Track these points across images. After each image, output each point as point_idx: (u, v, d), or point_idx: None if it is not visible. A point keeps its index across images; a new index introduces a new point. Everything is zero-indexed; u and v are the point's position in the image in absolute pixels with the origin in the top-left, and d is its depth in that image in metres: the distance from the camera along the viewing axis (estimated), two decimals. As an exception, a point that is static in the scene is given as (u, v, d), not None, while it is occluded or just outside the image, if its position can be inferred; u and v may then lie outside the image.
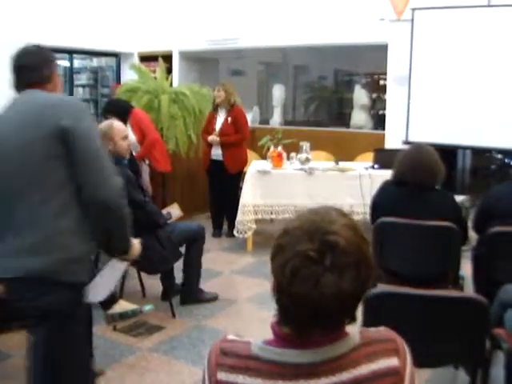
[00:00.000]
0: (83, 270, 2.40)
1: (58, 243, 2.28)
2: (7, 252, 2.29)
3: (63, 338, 2.35)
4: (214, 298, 5.01)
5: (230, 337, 1.45)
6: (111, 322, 3.80)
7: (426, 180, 3.73)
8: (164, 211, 4.79)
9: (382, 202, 3.93)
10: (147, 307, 3.96)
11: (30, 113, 2.38)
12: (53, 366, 2.35)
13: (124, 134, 4.33)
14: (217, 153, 6.95)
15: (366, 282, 1.34)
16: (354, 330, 1.40)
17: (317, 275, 1.27)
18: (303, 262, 1.28)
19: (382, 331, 1.43)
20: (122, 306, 3.75)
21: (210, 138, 6.89)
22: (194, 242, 4.78)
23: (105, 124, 4.32)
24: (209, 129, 6.99)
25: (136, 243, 2.78)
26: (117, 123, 4.39)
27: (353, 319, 1.37)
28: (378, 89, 11.08)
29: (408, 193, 3.75)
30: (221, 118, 6.97)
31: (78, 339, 2.46)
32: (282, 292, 1.33)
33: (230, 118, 6.92)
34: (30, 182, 2.27)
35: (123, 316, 3.75)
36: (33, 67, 2.58)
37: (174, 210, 4.91)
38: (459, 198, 6.22)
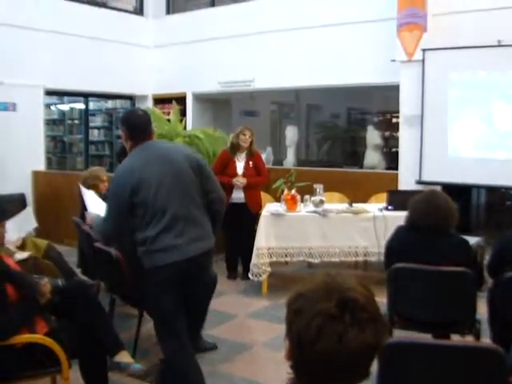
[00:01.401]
0: None
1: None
2: (196, 236, 3.58)
3: None
4: (212, 348, 4.84)
5: None
6: (112, 369, 3.82)
7: (439, 225, 3.75)
8: None
9: (395, 247, 3.95)
10: (136, 366, 3.96)
11: (180, 153, 3.69)
12: None
13: None
14: (238, 196, 6.95)
15: (383, 335, 1.38)
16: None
17: (340, 332, 1.31)
18: (325, 320, 1.32)
19: None
20: (121, 356, 3.78)
21: (236, 180, 6.86)
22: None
23: None
24: (227, 172, 6.95)
25: None
26: None
27: (367, 374, 1.39)
28: (390, 127, 11.16)
29: (422, 238, 3.76)
30: (241, 163, 6.99)
31: None
32: (305, 353, 1.35)
33: (251, 162, 6.98)
34: (196, 191, 3.61)
35: (117, 366, 3.79)
36: (148, 125, 3.76)
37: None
38: (475, 239, 6.20)
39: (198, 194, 3.61)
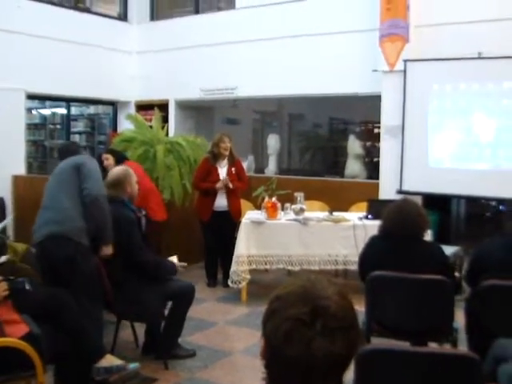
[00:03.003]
0: None
1: None
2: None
3: None
4: (191, 355, 4.82)
5: None
6: (97, 376, 3.79)
7: (411, 233, 3.82)
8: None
9: (369, 256, 4.00)
10: (132, 365, 3.96)
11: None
12: None
13: (136, 178, 4.76)
14: (221, 204, 6.97)
15: (355, 346, 1.38)
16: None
17: (308, 338, 1.31)
18: (295, 325, 1.32)
19: None
20: (109, 360, 3.75)
21: (221, 183, 6.86)
22: (182, 300, 4.64)
23: (121, 168, 4.76)
24: (210, 179, 6.96)
25: None
26: (125, 167, 4.86)
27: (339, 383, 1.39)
28: (372, 137, 11.20)
29: (394, 246, 3.83)
30: (223, 169, 7.00)
31: None
32: (274, 355, 1.36)
33: (233, 169, 7.00)
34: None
35: (108, 371, 3.76)
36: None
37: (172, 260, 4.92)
38: (453, 249, 6.25)
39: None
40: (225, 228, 6.94)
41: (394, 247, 3.83)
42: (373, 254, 3.98)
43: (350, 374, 2.17)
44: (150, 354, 4.74)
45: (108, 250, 4.28)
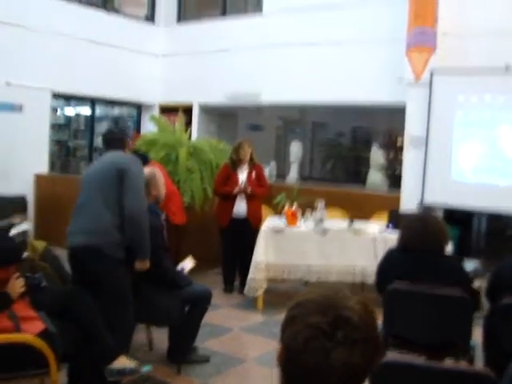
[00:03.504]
0: None
1: None
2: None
3: None
4: (204, 360, 4.80)
5: None
6: (109, 377, 3.79)
7: (430, 246, 3.76)
8: (179, 267, 4.80)
9: (387, 269, 3.94)
10: (145, 368, 3.95)
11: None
12: None
13: (163, 180, 4.75)
14: (239, 210, 6.96)
15: (374, 358, 1.36)
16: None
17: (328, 348, 1.30)
18: (315, 333, 1.32)
19: None
20: (122, 362, 3.74)
21: (239, 188, 6.88)
22: (198, 305, 4.63)
23: (147, 171, 4.60)
24: (228, 184, 6.98)
25: None
26: (157, 170, 4.80)
27: None
28: (394, 148, 11.15)
29: (413, 259, 3.77)
30: (243, 174, 7.01)
31: None
32: (291, 362, 1.35)
33: (253, 174, 7.00)
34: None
35: (121, 373, 3.75)
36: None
37: (187, 263, 4.92)
38: (473, 264, 6.18)
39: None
40: (243, 235, 6.91)
41: (413, 261, 3.77)
42: (391, 266, 3.92)
43: None
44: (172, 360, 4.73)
45: (144, 265, 4.14)
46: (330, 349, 1.30)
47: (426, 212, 4.24)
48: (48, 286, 3.97)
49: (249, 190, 6.89)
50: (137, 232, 4.04)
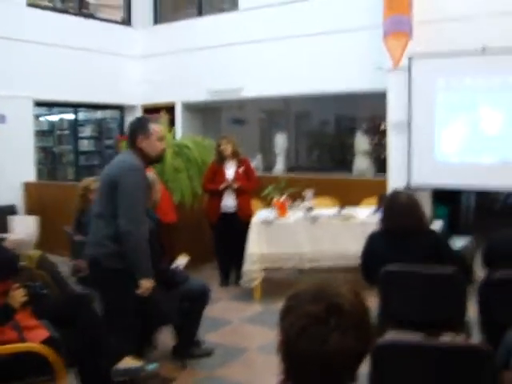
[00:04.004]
0: None
1: None
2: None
3: None
4: (207, 354, 4.89)
5: None
6: (116, 377, 3.85)
7: (407, 224, 3.86)
8: (173, 265, 4.86)
9: (370, 253, 4.04)
10: (151, 366, 4.01)
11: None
12: None
13: (159, 185, 4.77)
14: (228, 204, 7.04)
15: (367, 343, 1.45)
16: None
17: (323, 334, 1.38)
18: (310, 321, 1.39)
19: None
20: (127, 362, 3.79)
21: (227, 182, 6.95)
22: (197, 301, 4.69)
23: (151, 175, 4.61)
24: (215, 180, 7.06)
25: None
26: (152, 174, 4.73)
27: (352, 379, 1.45)
28: (379, 133, 11.22)
29: (394, 240, 3.88)
30: (230, 170, 7.08)
31: None
32: (290, 349, 1.42)
33: (241, 169, 7.07)
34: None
35: (127, 373, 3.81)
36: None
37: (181, 260, 4.98)
38: (463, 241, 6.28)
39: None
40: (234, 229, 6.99)
41: (393, 241, 3.88)
42: (374, 250, 4.03)
43: (365, 367, 2.24)
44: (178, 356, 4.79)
45: (146, 284, 3.88)
46: (325, 335, 1.38)
47: (395, 191, 4.28)
48: (48, 293, 4.02)
49: (235, 185, 6.96)
50: (129, 250, 3.80)
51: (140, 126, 3.95)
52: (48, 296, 4.01)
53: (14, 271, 3.76)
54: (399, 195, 4.04)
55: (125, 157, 4.06)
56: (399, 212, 3.88)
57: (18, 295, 3.45)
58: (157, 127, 3.97)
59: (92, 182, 5.91)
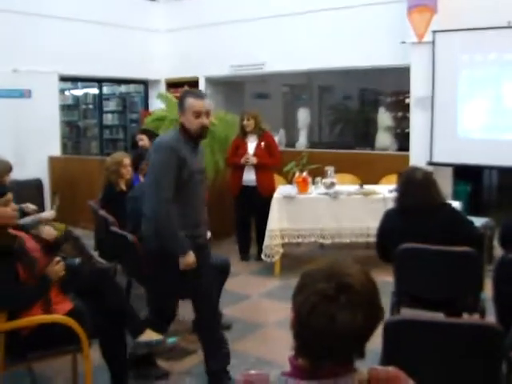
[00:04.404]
0: None
1: None
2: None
3: None
4: (226, 327, 4.89)
5: (252, 371, 1.62)
6: (138, 350, 3.94)
7: (422, 202, 3.88)
8: None
9: (386, 231, 4.07)
10: (171, 339, 4.10)
11: None
12: None
13: None
14: (249, 178, 7.10)
15: (376, 321, 1.52)
16: (363, 368, 1.55)
17: (333, 312, 1.44)
18: (321, 299, 1.46)
19: (391, 371, 1.58)
20: (148, 335, 3.88)
21: (245, 158, 7.01)
22: (219, 275, 4.69)
23: None
24: (238, 154, 7.12)
25: None
26: None
27: (361, 355, 1.52)
28: (402, 108, 11.16)
29: (410, 217, 3.91)
30: (252, 144, 7.13)
31: None
32: (301, 326, 1.50)
33: (263, 143, 7.10)
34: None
35: (148, 345, 3.90)
36: None
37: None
38: (484, 220, 6.28)
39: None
40: (254, 202, 7.06)
41: (410, 219, 3.90)
42: (390, 227, 4.05)
43: (379, 343, 2.30)
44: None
45: (185, 261, 3.73)
46: (334, 312, 1.44)
47: (412, 168, 4.29)
48: (78, 266, 4.11)
49: (254, 160, 7.01)
50: (156, 230, 3.73)
51: (179, 101, 3.86)
52: (78, 269, 4.10)
53: (58, 246, 3.89)
54: (415, 172, 4.03)
55: (164, 134, 4.13)
56: (414, 189, 3.90)
57: (60, 269, 3.52)
58: (195, 101, 3.76)
59: (124, 156, 5.85)
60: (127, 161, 5.72)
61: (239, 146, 7.16)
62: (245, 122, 7.07)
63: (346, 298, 1.45)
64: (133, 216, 4.73)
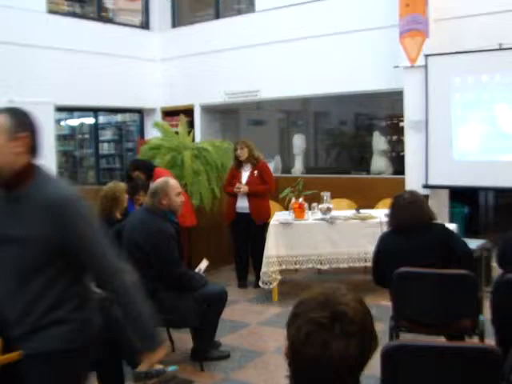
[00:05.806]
0: None
1: None
2: None
3: None
4: (224, 356, 4.94)
5: None
6: (137, 381, 3.90)
7: (411, 220, 3.93)
8: (196, 269, 4.94)
9: (381, 254, 4.08)
10: (171, 368, 4.05)
11: None
12: None
13: (178, 190, 4.67)
14: (242, 205, 7.11)
15: (370, 350, 1.51)
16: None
17: (327, 340, 1.44)
18: (315, 327, 1.45)
19: None
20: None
21: (238, 185, 7.03)
22: (215, 305, 4.76)
23: (160, 180, 4.68)
24: (233, 183, 7.15)
25: None
26: (172, 180, 4.75)
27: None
28: (397, 131, 11.20)
29: (402, 237, 3.95)
30: (246, 173, 7.17)
31: None
32: (296, 354, 1.49)
33: (256, 172, 7.12)
34: None
35: (148, 375, 3.85)
36: None
37: (203, 264, 5.07)
38: (479, 242, 6.27)
39: None
40: (248, 229, 7.08)
41: (404, 240, 3.94)
42: (384, 249, 4.09)
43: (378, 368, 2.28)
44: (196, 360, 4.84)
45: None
46: (328, 341, 1.43)
47: (401, 193, 4.34)
48: None
49: (246, 189, 7.03)
50: None
51: None
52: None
53: None
54: (402, 193, 4.15)
55: None
56: (403, 207, 3.96)
57: None
58: None
59: (124, 186, 5.82)
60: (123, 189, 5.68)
61: (234, 176, 7.23)
62: (238, 152, 7.11)
63: (340, 327, 1.45)
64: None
